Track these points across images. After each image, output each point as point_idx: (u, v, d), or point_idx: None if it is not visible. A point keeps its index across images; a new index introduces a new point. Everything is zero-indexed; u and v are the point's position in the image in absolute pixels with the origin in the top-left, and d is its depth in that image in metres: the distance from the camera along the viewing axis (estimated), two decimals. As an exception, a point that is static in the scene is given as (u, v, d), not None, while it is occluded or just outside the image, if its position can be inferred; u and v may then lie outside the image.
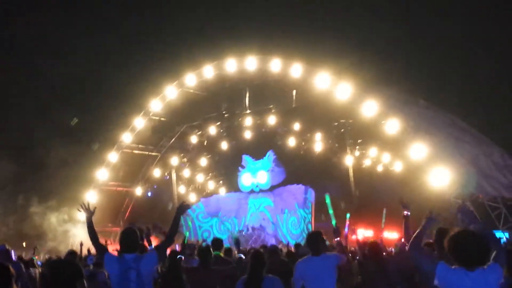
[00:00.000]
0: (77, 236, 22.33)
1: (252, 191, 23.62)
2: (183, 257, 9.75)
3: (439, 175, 16.69)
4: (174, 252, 9.52)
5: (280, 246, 13.80)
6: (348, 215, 10.93)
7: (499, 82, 25.58)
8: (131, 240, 5.61)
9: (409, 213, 6.32)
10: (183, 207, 5.86)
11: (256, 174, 23.57)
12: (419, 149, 17.25)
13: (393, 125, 18.12)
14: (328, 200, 9.33)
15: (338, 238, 7.19)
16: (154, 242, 8.50)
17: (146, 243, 8.20)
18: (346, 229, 9.43)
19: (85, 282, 7.06)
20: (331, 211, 8.97)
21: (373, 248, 7.80)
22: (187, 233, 21.87)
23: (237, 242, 10.68)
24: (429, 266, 4.30)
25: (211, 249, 8.77)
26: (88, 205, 6.19)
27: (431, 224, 4.90)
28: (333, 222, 8.12)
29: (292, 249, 12.08)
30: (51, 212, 23.45)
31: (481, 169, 17.76)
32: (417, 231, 4.68)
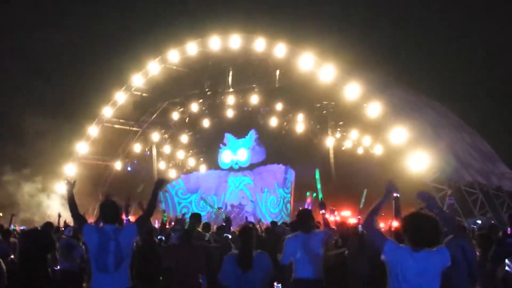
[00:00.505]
0: (52, 208, 22.29)
1: (231, 168, 23.72)
2: (163, 238, 9.88)
3: (418, 159, 16.95)
4: (149, 228, 9.64)
5: (258, 225, 13.95)
6: (308, 193, 11.11)
7: (480, 67, 25.86)
8: (111, 212, 5.66)
9: (398, 195, 6.48)
10: (161, 183, 5.92)
11: (236, 152, 23.65)
12: (399, 133, 17.47)
13: (374, 109, 18.26)
14: (317, 175, 9.45)
15: (323, 211, 7.33)
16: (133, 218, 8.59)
17: (123, 216, 8.25)
18: (306, 206, 9.59)
19: (57, 253, 7.11)
20: (319, 186, 9.10)
21: (354, 229, 7.97)
22: (165, 214, 21.93)
23: (227, 220, 10.79)
24: (380, 242, 4.39)
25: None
26: (72, 180, 6.21)
27: (389, 196, 4.86)
28: (320, 196, 8.28)
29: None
30: (28, 182, 23.31)
31: (459, 154, 18.08)
32: (373, 205, 4.69)
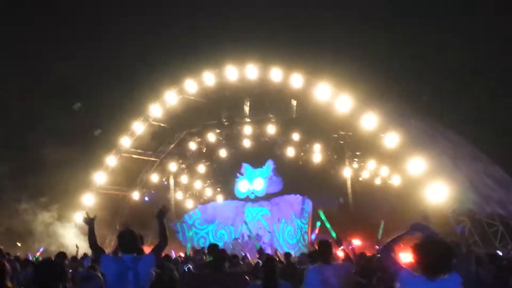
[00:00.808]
0: (68, 238, 22.34)
1: (247, 198, 23.71)
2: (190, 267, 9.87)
3: (437, 190, 16.76)
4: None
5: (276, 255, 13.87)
6: (318, 223, 10.97)
7: (497, 99, 25.70)
8: (129, 241, 5.70)
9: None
10: (162, 211, 5.93)
11: (253, 181, 23.65)
12: (417, 164, 17.32)
13: (392, 139, 18.19)
14: (322, 216, 9.43)
15: (342, 247, 7.32)
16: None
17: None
18: (313, 237, 9.50)
19: (67, 285, 7.08)
20: (328, 225, 9.08)
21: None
22: (189, 245, 21.96)
23: (260, 250, 10.82)
24: (395, 270, 4.43)
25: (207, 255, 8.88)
26: (92, 214, 6.30)
27: (412, 233, 4.86)
28: (333, 234, 8.23)
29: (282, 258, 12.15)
30: (45, 211, 23.43)
31: (477, 185, 17.85)
32: (395, 236, 4.76)
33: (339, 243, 7.35)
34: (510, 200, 18.37)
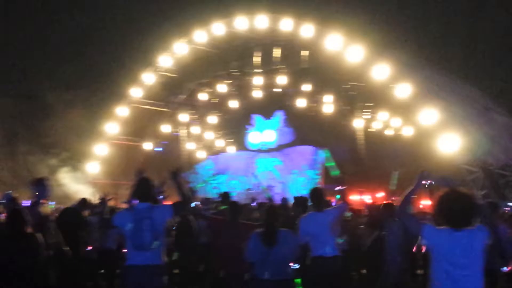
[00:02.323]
0: (80, 188, 22.66)
1: (259, 150, 23.78)
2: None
3: (449, 141, 16.75)
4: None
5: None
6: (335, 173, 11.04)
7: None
8: (144, 189, 5.80)
9: (433, 182, 6.49)
10: (175, 172, 5.90)
11: (263, 133, 23.68)
12: (429, 114, 17.27)
13: (404, 89, 18.10)
14: (328, 154, 9.50)
15: (341, 187, 7.41)
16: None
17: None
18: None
19: (85, 232, 7.27)
20: (333, 163, 9.13)
21: (388, 206, 7.93)
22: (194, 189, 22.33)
23: (270, 199, 11.05)
24: (416, 228, 4.38)
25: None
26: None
27: (420, 185, 4.82)
28: (336, 172, 8.32)
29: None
30: (57, 162, 23.67)
31: (490, 136, 17.83)
32: (405, 192, 4.69)
33: (340, 181, 7.44)
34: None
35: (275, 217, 6.24)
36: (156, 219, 5.57)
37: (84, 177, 24.08)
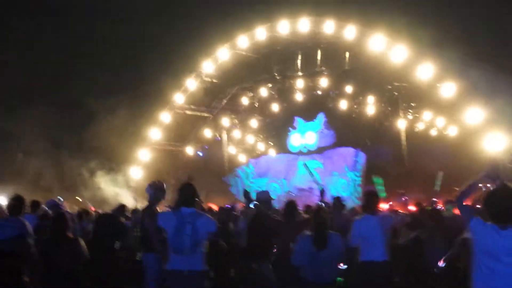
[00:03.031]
0: (122, 194, 22.97)
1: (300, 152, 23.68)
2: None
3: (495, 140, 16.29)
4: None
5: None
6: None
7: None
8: (188, 194, 5.77)
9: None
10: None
11: (305, 135, 23.58)
12: (475, 113, 16.86)
13: (449, 88, 17.72)
14: (378, 181, 9.30)
15: (406, 198, 7.35)
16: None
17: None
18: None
19: (124, 239, 7.19)
20: (381, 187, 9.00)
21: (435, 212, 7.76)
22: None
23: (245, 194, 10.79)
24: (466, 218, 4.35)
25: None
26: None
27: (490, 175, 4.64)
28: (383, 194, 8.22)
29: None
30: (100, 167, 24.07)
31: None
32: (472, 180, 4.62)
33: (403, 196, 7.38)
34: None
35: (324, 219, 6.20)
36: (199, 227, 5.56)
37: (126, 181, 24.47)
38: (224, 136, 27.53)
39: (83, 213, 11.05)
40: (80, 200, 22.45)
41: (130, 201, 17.17)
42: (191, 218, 5.56)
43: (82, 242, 6.09)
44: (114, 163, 24.62)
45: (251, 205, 9.61)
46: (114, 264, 6.42)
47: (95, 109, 23.99)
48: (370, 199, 7.07)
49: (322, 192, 10.24)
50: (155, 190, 5.99)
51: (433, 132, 21.44)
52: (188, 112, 26.56)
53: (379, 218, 6.76)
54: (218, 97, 26.79)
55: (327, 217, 6.43)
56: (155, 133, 25.96)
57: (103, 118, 23.46)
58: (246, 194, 9.68)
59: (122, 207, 10.58)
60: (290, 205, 7.74)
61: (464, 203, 4.58)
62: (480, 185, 4.73)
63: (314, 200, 21.30)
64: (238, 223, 9.87)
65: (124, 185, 24.06)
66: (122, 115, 23.54)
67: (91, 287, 6.04)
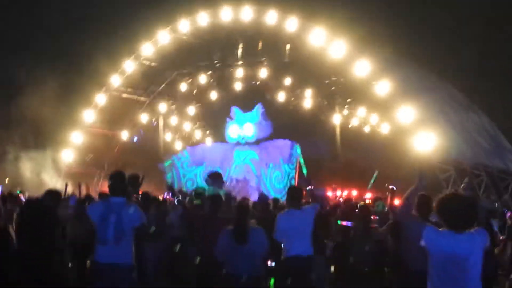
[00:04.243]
0: (53, 176, 22.30)
1: (238, 143, 23.62)
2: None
3: (425, 139, 16.77)
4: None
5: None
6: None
7: (490, 51, 25.56)
8: (117, 184, 5.62)
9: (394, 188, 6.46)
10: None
11: (243, 126, 23.53)
12: (406, 112, 17.28)
13: (383, 86, 18.07)
14: (298, 151, 9.44)
15: (311, 187, 7.40)
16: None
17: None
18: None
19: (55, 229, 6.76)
20: (302, 160, 9.13)
21: (364, 210, 7.85)
22: (170, 181, 22.19)
23: (170, 188, 10.74)
24: (417, 228, 4.41)
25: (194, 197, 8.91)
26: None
27: (422, 184, 4.89)
28: (304, 170, 8.33)
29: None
30: (32, 149, 23.26)
31: (465, 135, 17.91)
32: (410, 190, 4.76)
33: (307, 182, 7.47)
34: (495, 151, 18.52)
35: (245, 214, 6.17)
36: (124, 217, 5.39)
37: (56, 164, 23.73)
38: (161, 122, 27.11)
39: (8, 196, 10.52)
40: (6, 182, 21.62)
41: (59, 185, 16.60)
42: (117, 208, 5.41)
43: (11, 232, 5.75)
44: (43, 143, 23.82)
45: (176, 201, 9.53)
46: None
47: (27, 86, 23.03)
48: (293, 193, 7.12)
49: (262, 195, 10.29)
50: (215, 180, 5.92)
51: (367, 129, 21.93)
52: (124, 95, 25.92)
53: (302, 212, 6.80)
54: (156, 82, 26.27)
55: (249, 211, 6.41)
56: (89, 115, 25.15)
57: (33, 93, 22.52)
58: (170, 188, 9.62)
59: (52, 194, 9.85)
60: (214, 199, 7.60)
61: (411, 215, 4.77)
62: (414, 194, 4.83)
63: (249, 191, 21.55)
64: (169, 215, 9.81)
65: (53, 168, 23.32)
66: (54, 94, 22.71)
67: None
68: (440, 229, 4.22)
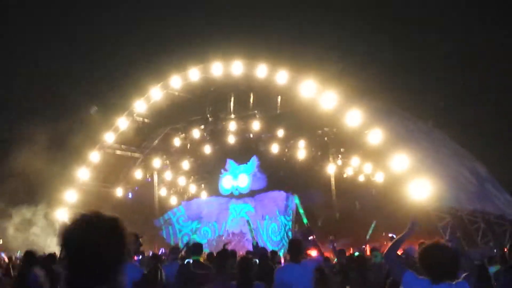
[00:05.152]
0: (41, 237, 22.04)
1: (232, 195, 23.57)
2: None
3: (420, 187, 16.76)
4: (155, 257, 9.49)
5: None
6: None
7: (479, 95, 25.99)
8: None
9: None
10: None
11: (237, 177, 23.55)
12: (400, 160, 17.34)
13: (375, 136, 18.20)
14: (297, 200, 9.41)
15: (312, 237, 7.34)
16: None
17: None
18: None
19: None
20: (301, 211, 9.10)
21: (360, 260, 7.80)
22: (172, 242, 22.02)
23: (256, 248, 10.61)
24: (398, 273, 4.36)
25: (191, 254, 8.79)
26: None
27: (413, 230, 4.77)
28: (305, 220, 8.28)
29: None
30: (27, 208, 23.10)
31: (460, 182, 17.94)
32: (397, 237, 4.72)
33: (309, 232, 7.39)
34: (491, 197, 18.54)
35: (249, 269, 6.12)
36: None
37: (51, 224, 23.50)
38: (155, 177, 27.05)
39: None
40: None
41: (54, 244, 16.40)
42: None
43: None
44: (36, 201, 23.65)
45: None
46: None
47: (22, 146, 23.05)
48: (293, 247, 7.07)
49: (256, 248, 10.19)
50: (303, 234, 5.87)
51: (362, 178, 21.96)
52: (118, 151, 25.96)
53: (301, 266, 6.74)
54: (150, 137, 26.38)
55: (252, 265, 6.35)
56: (83, 173, 25.10)
57: (25, 151, 22.51)
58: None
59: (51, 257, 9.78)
60: (222, 254, 7.55)
61: (394, 259, 4.66)
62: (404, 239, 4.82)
63: (245, 244, 21.35)
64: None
65: (48, 227, 23.09)
66: (46, 151, 22.71)
67: None
68: (419, 277, 4.18)
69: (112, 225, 2.18)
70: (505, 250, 6.69)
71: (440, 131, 21.23)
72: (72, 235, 2.12)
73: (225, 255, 7.49)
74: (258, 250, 10.44)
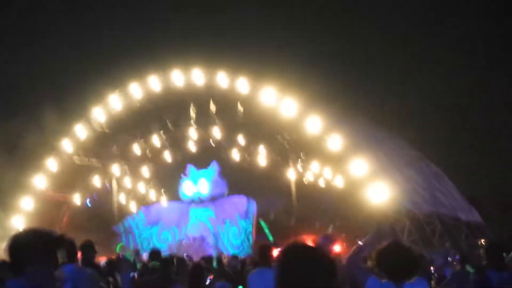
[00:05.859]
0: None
1: (192, 201, 23.55)
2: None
3: (378, 191, 17.20)
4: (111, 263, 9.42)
5: (222, 257, 13.89)
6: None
7: (437, 100, 26.73)
8: (67, 251, 5.57)
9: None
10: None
11: (197, 182, 23.54)
12: (359, 165, 17.75)
13: (335, 141, 18.56)
14: (263, 224, 9.58)
15: (280, 249, 7.42)
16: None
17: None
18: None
19: None
20: (267, 231, 9.29)
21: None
22: (120, 244, 21.75)
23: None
24: (362, 278, 4.38)
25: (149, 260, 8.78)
26: None
27: (378, 237, 4.83)
28: (271, 238, 8.43)
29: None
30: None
31: (417, 186, 18.46)
32: (361, 243, 4.77)
33: (276, 245, 7.49)
34: (446, 200, 19.12)
35: (199, 277, 6.12)
36: (80, 283, 5.35)
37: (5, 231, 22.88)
38: (114, 184, 26.70)
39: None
40: None
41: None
42: (70, 276, 5.35)
43: None
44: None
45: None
46: None
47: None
48: (264, 251, 7.13)
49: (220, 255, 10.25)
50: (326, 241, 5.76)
51: (322, 183, 22.26)
52: (76, 158, 25.51)
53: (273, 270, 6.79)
54: (108, 144, 26.04)
55: (204, 276, 6.37)
56: (39, 180, 24.54)
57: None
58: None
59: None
60: (165, 263, 7.42)
61: (357, 265, 4.67)
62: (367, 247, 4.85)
63: (205, 249, 21.37)
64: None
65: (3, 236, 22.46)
66: (6, 161, 22.17)
67: None
68: (382, 281, 4.21)
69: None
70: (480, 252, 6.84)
71: (396, 135, 21.77)
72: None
73: (168, 261, 7.42)
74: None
